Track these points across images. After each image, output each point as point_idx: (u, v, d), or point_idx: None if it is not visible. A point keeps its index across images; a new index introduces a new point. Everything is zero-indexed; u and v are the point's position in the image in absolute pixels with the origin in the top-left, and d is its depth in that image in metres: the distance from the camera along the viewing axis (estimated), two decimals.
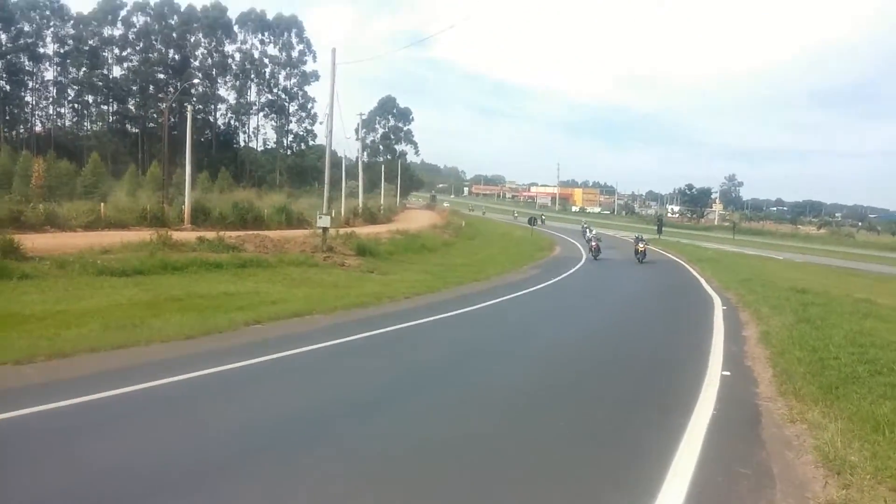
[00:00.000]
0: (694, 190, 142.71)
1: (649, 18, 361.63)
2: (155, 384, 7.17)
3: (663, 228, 72.13)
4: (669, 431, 6.48)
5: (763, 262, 40.06)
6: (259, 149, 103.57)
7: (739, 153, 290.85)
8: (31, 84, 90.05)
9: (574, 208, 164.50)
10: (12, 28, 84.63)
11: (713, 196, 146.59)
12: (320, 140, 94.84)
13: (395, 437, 6.09)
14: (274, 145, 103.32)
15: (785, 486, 5.31)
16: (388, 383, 8.25)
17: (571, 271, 27.57)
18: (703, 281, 25.77)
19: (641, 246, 35.40)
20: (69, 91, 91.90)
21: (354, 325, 11.86)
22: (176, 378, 7.44)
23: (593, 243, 37.39)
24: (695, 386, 8.54)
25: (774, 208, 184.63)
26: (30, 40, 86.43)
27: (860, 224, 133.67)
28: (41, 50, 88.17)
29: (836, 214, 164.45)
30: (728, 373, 9.48)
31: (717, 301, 18.98)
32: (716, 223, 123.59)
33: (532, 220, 57.54)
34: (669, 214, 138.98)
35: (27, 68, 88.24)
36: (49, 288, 13.49)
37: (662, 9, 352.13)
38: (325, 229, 26.43)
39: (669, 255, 42.58)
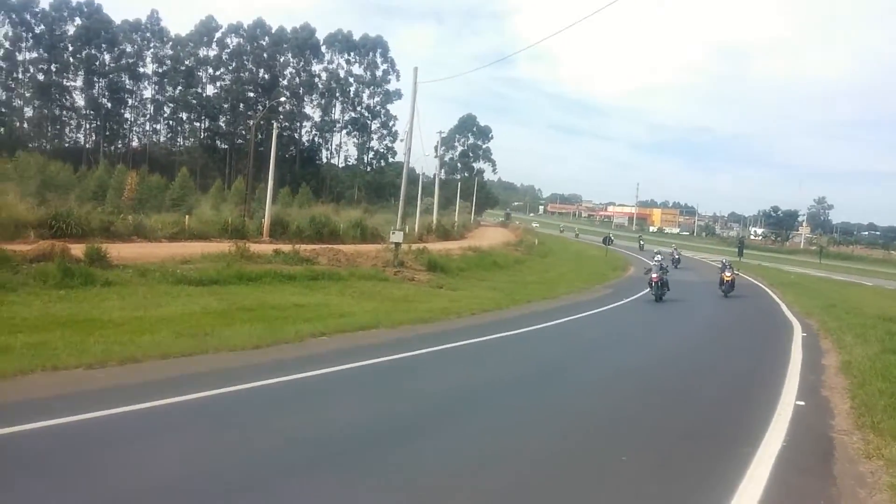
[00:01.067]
0: (780, 212, 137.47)
1: (733, 39, 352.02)
2: (216, 392, 7.35)
3: (744, 251, 69.67)
4: (736, 463, 6.19)
5: (850, 288, 38.10)
6: (340, 165, 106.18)
7: (830, 175, 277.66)
8: (130, 101, 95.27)
9: (652, 228, 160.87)
10: (115, 49, 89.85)
11: (800, 219, 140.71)
12: (400, 157, 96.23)
13: (444, 459, 6.05)
14: (355, 162, 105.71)
15: None
16: (438, 403, 8.19)
17: (644, 292, 26.89)
18: (783, 306, 24.69)
19: (729, 275, 27.41)
20: (165, 108, 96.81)
21: (417, 339, 11.92)
22: (235, 388, 7.61)
23: (654, 275, 23.61)
24: (766, 415, 8.15)
25: (866, 233, 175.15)
26: (131, 60, 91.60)
27: None
28: (141, 69, 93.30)
29: None
30: (803, 402, 9.02)
31: (798, 327, 18.14)
32: (801, 247, 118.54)
33: (607, 240, 56.66)
34: (752, 237, 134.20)
35: (128, 87, 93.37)
36: (129, 295, 14.11)
37: (746, 26, 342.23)
38: (397, 244, 26.72)
39: (748, 278, 41.00)
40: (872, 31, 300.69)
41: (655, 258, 25.37)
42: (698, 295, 28.00)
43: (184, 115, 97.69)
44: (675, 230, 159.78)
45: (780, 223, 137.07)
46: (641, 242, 56.38)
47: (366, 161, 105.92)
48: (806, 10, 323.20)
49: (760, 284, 36.53)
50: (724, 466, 6.11)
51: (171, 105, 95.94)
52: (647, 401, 9.00)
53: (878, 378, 9.95)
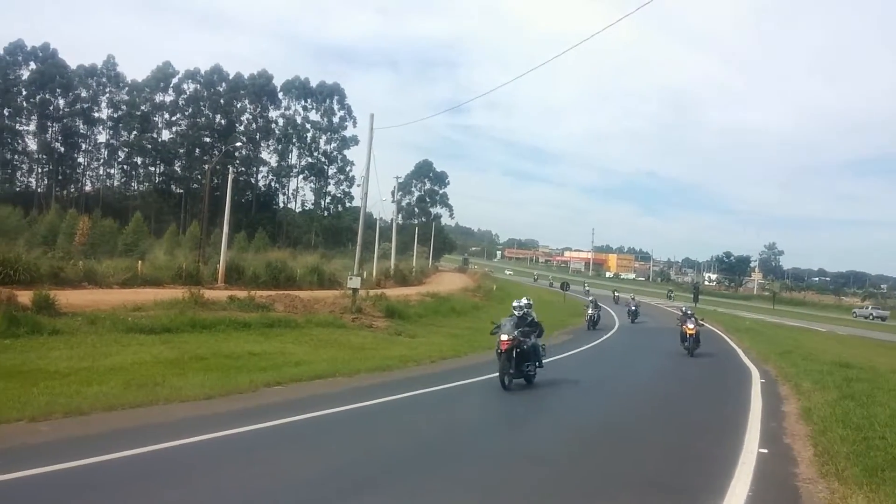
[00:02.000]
0: (732, 258, 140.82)
1: (681, 78, 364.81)
2: (161, 447, 6.97)
3: (699, 296, 70.87)
4: None
5: (804, 334, 38.84)
6: (297, 210, 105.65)
7: (780, 222, 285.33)
8: (84, 146, 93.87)
9: (608, 274, 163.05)
10: (70, 93, 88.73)
11: (752, 264, 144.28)
12: (357, 202, 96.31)
13: None
14: (312, 207, 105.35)
15: None
16: (395, 455, 7.88)
17: (604, 338, 27.00)
18: (740, 352, 24.97)
19: (692, 327, 22.02)
20: (119, 153, 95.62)
21: (375, 388, 11.63)
22: (183, 441, 7.26)
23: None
24: (729, 464, 8.06)
25: (816, 278, 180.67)
26: (86, 105, 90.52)
27: None
28: (96, 114, 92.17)
29: (882, 286, 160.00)
30: (766, 450, 8.96)
31: (756, 373, 18.29)
32: (755, 292, 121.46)
33: (564, 286, 57.08)
34: (706, 282, 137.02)
35: (82, 131, 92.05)
36: (78, 344, 13.56)
37: (695, 67, 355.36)
38: (355, 290, 26.42)
39: (706, 325, 41.57)
40: (811, 84, 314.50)
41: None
42: (659, 338, 28.19)
43: (138, 160, 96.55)
44: (632, 275, 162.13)
45: (732, 268, 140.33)
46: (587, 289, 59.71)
47: (323, 206, 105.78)
48: (753, 64, 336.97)
49: (717, 330, 36.99)
50: None
51: (125, 149, 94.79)
52: (609, 450, 8.85)
53: (838, 425, 9.99)
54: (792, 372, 17.75)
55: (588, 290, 56.02)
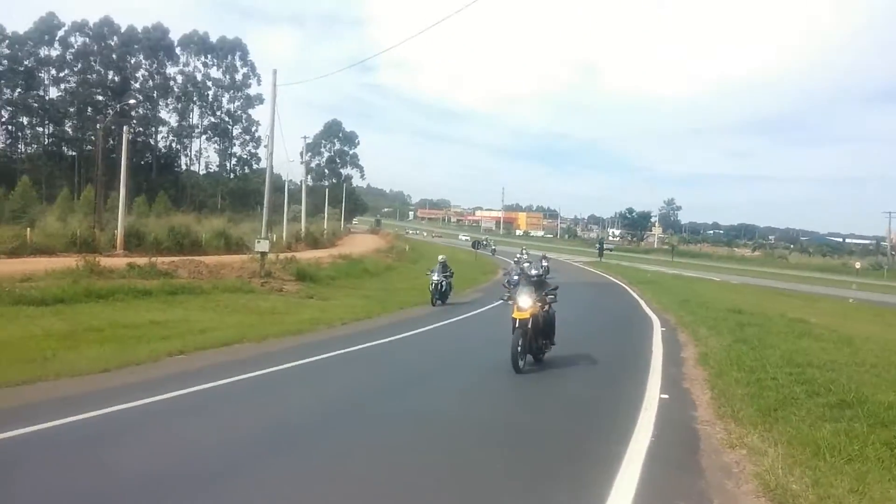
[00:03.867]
0: (634, 214, 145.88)
1: (585, 44, 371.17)
2: (47, 425, 6.48)
3: (604, 251, 73.18)
4: (606, 462, 6.18)
5: (700, 284, 40.79)
6: (201, 172, 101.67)
7: (678, 179, 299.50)
8: None
9: (518, 232, 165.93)
10: None
11: (653, 220, 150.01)
12: (264, 164, 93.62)
13: (297, 480, 5.64)
14: (217, 169, 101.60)
15: None
16: (300, 421, 7.69)
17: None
18: (642, 303, 25.94)
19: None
20: (2, 112, 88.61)
21: (283, 354, 11.32)
22: (72, 418, 6.79)
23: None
24: (633, 411, 8.30)
25: (711, 231, 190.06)
26: None
27: (792, 246, 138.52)
28: None
29: (770, 237, 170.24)
30: (666, 396, 9.30)
31: (657, 322, 19.03)
32: (655, 246, 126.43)
33: (476, 244, 57.61)
34: (611, 238, 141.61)
35: None
36: None
37: (599, 35, 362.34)
38: (263, 254, 25.74)
39: (610, 278, 43.06)
40: (707, 50, 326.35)
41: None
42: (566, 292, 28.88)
43: (24, 120, 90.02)
44: (540, 233, 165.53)
45: (634, 224, 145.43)
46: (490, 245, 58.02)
47: (228, 168, 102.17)
48: (648, 29, 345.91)
49: (621, 283, 38.35)
50: (596, 467, 6.08)
51: (9, 109, 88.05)
52: (511, 403, 8.97)
53: (733, 368, 10.48)
54: (690, 320, 18.57)
55: (522, 253, 42.81)
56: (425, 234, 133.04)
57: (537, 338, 11.01)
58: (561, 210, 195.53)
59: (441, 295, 22.40)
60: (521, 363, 10.40)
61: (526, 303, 10.61)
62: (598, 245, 79.60)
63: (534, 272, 11.81)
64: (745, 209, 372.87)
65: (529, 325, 10.54)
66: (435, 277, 22.42)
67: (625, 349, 14.33)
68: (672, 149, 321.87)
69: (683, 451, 6.85)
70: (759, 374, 9.80)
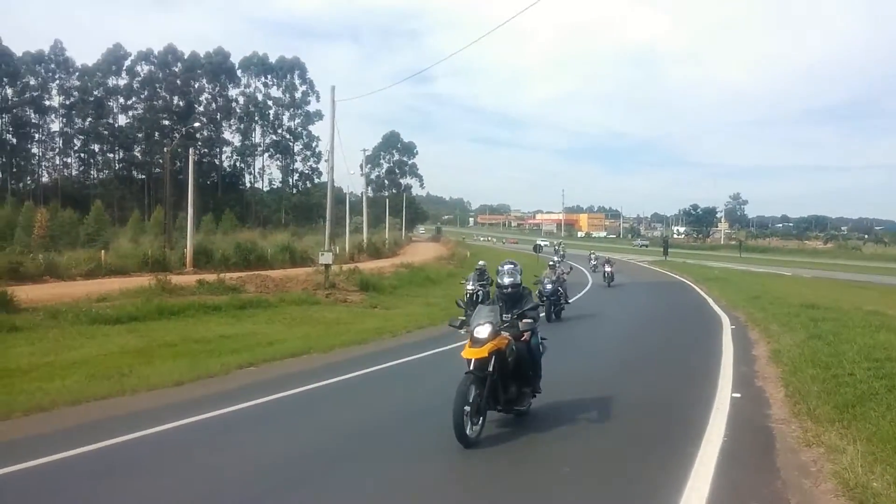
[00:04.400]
0: (699, 210, 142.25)
1: (644, 39, 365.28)
2: (129, 437, 6.79)
3: (669, 249, 71.71)
4: (678, 463, 6.06)
5: (771, 279, 39.48)
6: (265, 189, 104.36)
7: (744, 172, 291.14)
8: (37, 136, 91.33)
9: (580, 233, 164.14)
10: (18, 82, 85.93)
11: (718, 215, 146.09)
12: (325, 178, 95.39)
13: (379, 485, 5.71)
14: (280, 185, 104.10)
15: None
16: (372, 429, 7.74)
17: (577, 296, 27.12)
18: (710, 300, 25.29)
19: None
20: (75, 141, 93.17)
21: (349, 363, 11.50)
22: (150, 430, 7.07)
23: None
24: (704, 410, 8.12)
25: (780, 225, 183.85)
26: (35, 93, 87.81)
27: (866, 237, 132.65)
28: (47, 102, 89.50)
29: (842, 228, 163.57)
30: (739, 394, 9.06)
31: (726, 320, 18.52)
32: (721, 242, 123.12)
33: (536, 248, 57.32)
34: (675, 236, 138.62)
35: (33, 121, 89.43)
36: (39, 339, 13.23)
37: (656, 30, 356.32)
38: (327, 266, 26.17)
39: (675, 276, 42.13)
40: (767, 39, 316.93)
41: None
42: (631, 292, 28.45)
43: (96, 147, 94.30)
44: (602, 234, 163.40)
45: (699, 220, 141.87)
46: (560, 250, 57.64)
47: (291, 183, 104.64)
48: (707, 20, 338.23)
49: (687, 281, 37.49)
50: (668, 468, 5.96)
51: (81, 137, 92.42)
52: (586, 403, 8.84)
53: (808, 364, 10.10)
54: (760, 316, 18.00)
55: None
56: (493, 240, 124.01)
57: (506, 385, 7.23)
58: (623, 209, 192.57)
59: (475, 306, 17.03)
60: (469, 430, 6.55)
61: (483, 332, 6.95)
62: (662, 244, 77.88)
63: (507, 280, 8.04)
64: (815, 200, 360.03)
65: (491, 368, 6.84)
66: (469, 287, 18.95)
67: (693, 348, 13.98)
68: (737, 142, 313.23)
69: (758, 450, 6.66)
70: (835, 370, 9.41)
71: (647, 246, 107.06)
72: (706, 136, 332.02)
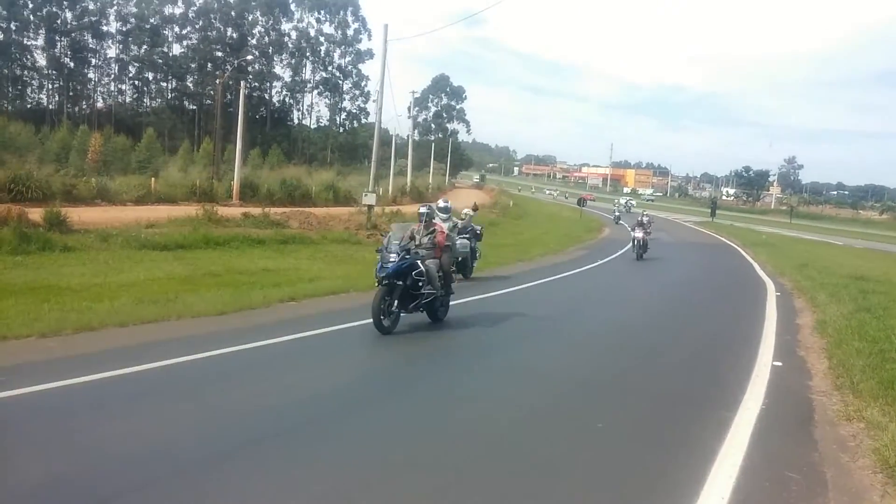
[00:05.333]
0: (751, 172, 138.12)
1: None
2: (172, 362, 6.97)
3: (717, 211, 70.21)
4: (713, 428, 6.01)
5: (821, 248, 38.52)
6: (312, 126, 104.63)
7: (800, 134, 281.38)
8: (94, 61, 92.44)
9: (626, 189, 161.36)
10: (77, 6, 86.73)
11: (771, 179, 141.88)
12: (372, 118, 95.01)
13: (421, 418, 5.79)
14: (327, 123, 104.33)
15: (838, 496, 4.80)
16: (406, 370, 7.91)
17: (619, 253, 26.83)
18: (756, 266, 24.77)
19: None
20: (130, 68, 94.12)
21: None
22: (194, 356, 7.24)
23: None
24: (743, 377, 8.01)
25: (835, 192, 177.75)
26: (94, 18, 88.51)
27: None
28: (104, 28, 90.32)
29: None
30: (780, 363, 8.90)
31: (771, 287, 18.14)
32: (772, 207, 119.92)
33: (581, 201, 56.61)
34: (724, 197, 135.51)
35: (91, 46, 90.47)
36: (90, 261, 13.62)
37: None
38: (370, 207, 26.29)
39: (722, 239, 41.35)
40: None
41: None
42: (675, 252, 28.03)
43: (150, 76, 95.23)
44: (649, 191, 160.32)
45: (751, 183, 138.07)
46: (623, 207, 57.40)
47: (338, 122, 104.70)
48: None
49: (734, 245, 36.76)
50: (703, 432, 5.92)
51: (136, 65, 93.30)
52: (623, 362, 8.80)
53: (854, 337, 9.86)
54: (807, 285, 17.58)
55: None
56: (555, 193, 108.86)
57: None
58: (672, 167, 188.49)
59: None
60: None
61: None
62: (710, 204, 76.20)
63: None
64: (873, 168, 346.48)
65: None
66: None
67: (735, 315, 13.76)
68: (795, 103, 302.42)
69: (796, 421, 6.56)
70: (882, 345, 9.16)
71: (652, 201, 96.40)
72: (764, 96, 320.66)
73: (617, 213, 51.74)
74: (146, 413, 5.56)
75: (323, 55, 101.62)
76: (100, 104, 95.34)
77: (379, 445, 5.20)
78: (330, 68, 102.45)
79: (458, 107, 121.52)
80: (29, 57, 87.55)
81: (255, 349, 7.83)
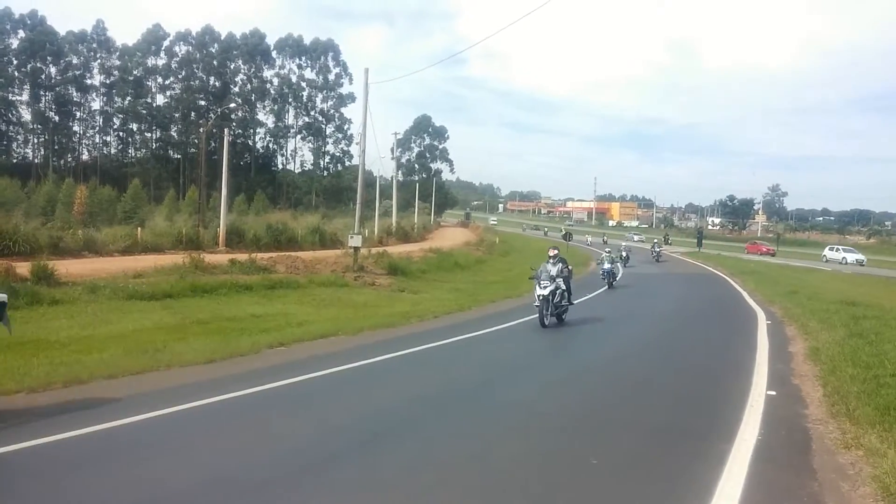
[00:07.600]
0: (735, 201, 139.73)
1: (681, 22, 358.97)
2: (163, 412, 6.85)
3: (703, 241, 70.69)
4: (709, 461, 5.93)
5: (809, 274, 38.72)
6: (296, 170, 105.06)
7: (784, 163, 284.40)
8: (78, 114, 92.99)
9: (611, 222, 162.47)
10: (61, 61, 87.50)
11: (756, 207, 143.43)
12: (356, 161, 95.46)
13: (407, 465, 5.68)
14: (311, 167, 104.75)
15: None
16: (396, 413, 7.74)
17: (606, 288, 26.86)
18: (745, 294, 24.88)
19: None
20: (114, 120, 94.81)
21: (377, 346, 11.48)
22: (181, 407, 7.12)
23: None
24: (738, 407, 7.96)
25: (821, 218, 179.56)
26: (77, 72, 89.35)
27: None
28: (88, 81, 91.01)
29: (886, 223, 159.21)
30: (774, 392, 8.87)
31: (761, 315, 18.18)
32: (759, 234, 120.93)
33: (567, 236, 56.88)
34: (710, 227, 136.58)
35: (75, 99, 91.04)
36: (78, 313, 13.45)
37: (695, 17, 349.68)
38: (356, 249, 26.25)
39: (709, 268, 41.56)
40: (814, 19, 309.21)
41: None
42: (660, 284, 28.10)
43: (134, 126, 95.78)
44: (635, 223, 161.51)
45: (736, 212, 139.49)
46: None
47: (322, 166, 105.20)
48: (752, 2, 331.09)
49: (721, 274, 36.93)
50: (699, 465, 5.85)
51: (120, 116, 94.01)
52: (617, 395, 8.74)
53: (847, 363, 9.85)
54: (798, 312, 17.63)
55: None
56: (545, 231, 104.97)
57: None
58: (656, 199, 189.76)
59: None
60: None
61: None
62: (696, 235, 76.73)
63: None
64: (858, 193, 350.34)
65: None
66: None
67: (727, 344, 13.74)
68: (776, 131, 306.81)
69: (794, 450, 6.50)
70: (877, 371, 9.16)
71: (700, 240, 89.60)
72: (745, 125, 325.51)
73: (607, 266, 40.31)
74: (135, 466, 5.42)
75: (305, 100, 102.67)
76: (85, 156, 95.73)
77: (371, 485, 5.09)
78: (313, 113, 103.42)
79: (440, 146, 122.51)
80: (14, 112, 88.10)
81: (243, 397, 7.72)
